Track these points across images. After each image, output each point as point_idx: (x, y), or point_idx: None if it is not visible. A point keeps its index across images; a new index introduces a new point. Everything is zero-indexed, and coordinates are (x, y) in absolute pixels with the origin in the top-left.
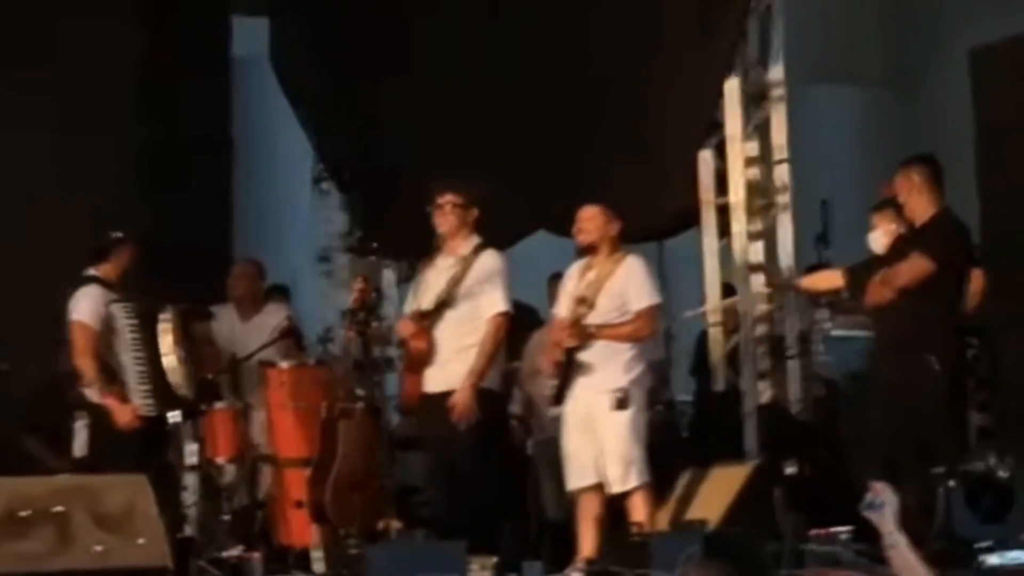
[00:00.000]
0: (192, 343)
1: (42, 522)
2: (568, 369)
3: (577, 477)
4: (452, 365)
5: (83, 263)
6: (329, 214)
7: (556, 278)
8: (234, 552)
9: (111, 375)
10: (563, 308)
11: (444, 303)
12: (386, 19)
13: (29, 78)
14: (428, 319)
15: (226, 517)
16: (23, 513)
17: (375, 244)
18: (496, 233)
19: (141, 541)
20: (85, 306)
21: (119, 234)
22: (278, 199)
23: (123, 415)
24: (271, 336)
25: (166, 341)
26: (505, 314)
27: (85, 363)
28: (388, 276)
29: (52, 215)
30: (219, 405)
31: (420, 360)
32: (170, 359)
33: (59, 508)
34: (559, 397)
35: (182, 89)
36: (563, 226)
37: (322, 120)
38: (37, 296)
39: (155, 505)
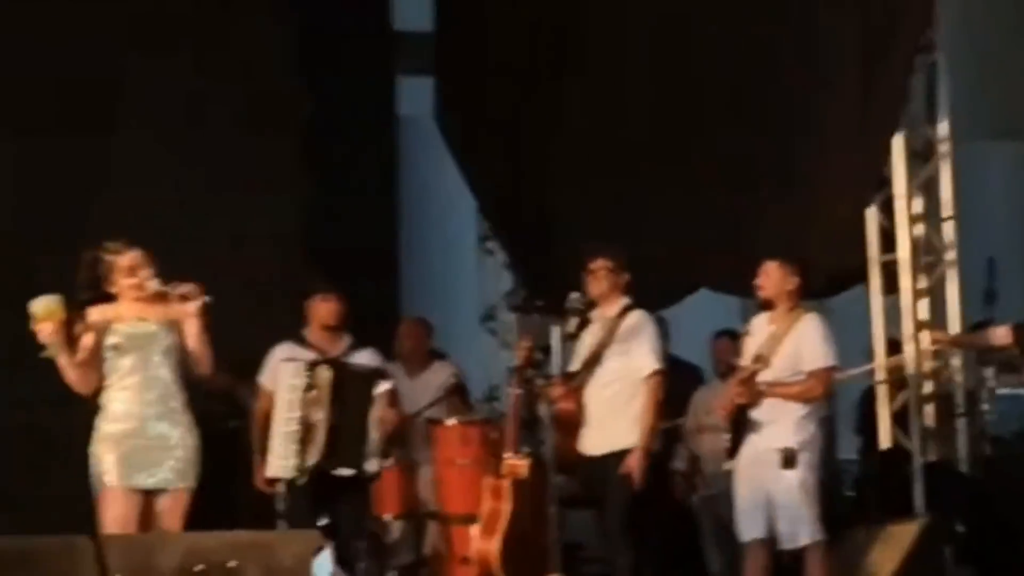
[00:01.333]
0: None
1: None
2: (740, 425)
3: (747, 530)
4: (608, 426)
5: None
6: (494, 272)
7: (718, 336)
8: None
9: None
10: (745, 362)
11: (591, 364)
12: (549, 81)
13: (197, 136)
14: (576, 380)
15: (392, 574)
16: (197, 568)
17: (540, 302)
18: (657, 291)
19: None
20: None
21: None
22: (443, 258)
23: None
24: (438, 393)
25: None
26: (659, 372)
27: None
28: (554, 334)
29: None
30: (387, 463)
31: (569, 421)
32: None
33: (233, 563)
34: (733, 451)
35: (348, 148)
36: (725, 284)
37: (487, 179)
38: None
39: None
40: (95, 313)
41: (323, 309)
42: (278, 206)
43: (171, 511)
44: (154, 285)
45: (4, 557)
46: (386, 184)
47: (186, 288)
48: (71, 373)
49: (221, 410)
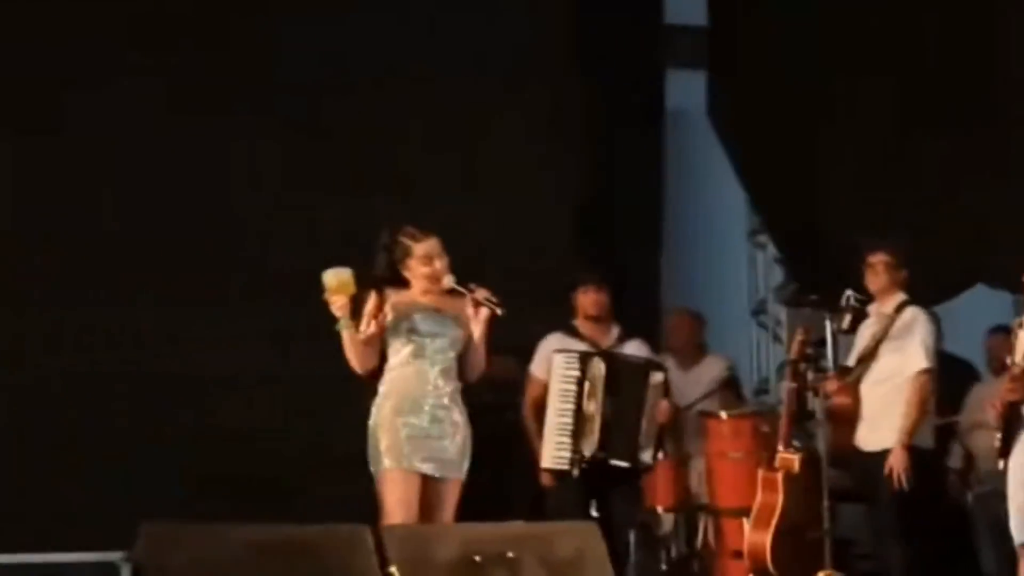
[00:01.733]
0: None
1: (495, 567)
2: (1012, 422)
3: (1019, 531)
4: (881, 423)
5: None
6: (765, 266)
7: (993, 332)
8: None
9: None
10: (1017, 358)
11: (865, 360)
12: (824, 71)
13: (471, 139)
14: (852, 375)
15: (664, 567)
16: (477, 558)
17: (813, 296)
18: (934, 287)
19: None
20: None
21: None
22: (709, 251)
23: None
24: (711, 386)
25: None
26: (927, 371)
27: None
28: (827, 327)
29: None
30: (660, 455)
31: (844, 415)
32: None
33: (511, 554)
34: (1004, 450)
35: (615, 141)
36: (1002, 279)
37: (759, 173)
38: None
39: (605, 553)
40: (392, 294)
41: (589, 300)
42: (547, 198)
43: (445, 501)
44: (449, 281)
45: (285, 546)
46: (653, 177)
47: (483, 293)
48: (353, 350)
49: (498, 401)
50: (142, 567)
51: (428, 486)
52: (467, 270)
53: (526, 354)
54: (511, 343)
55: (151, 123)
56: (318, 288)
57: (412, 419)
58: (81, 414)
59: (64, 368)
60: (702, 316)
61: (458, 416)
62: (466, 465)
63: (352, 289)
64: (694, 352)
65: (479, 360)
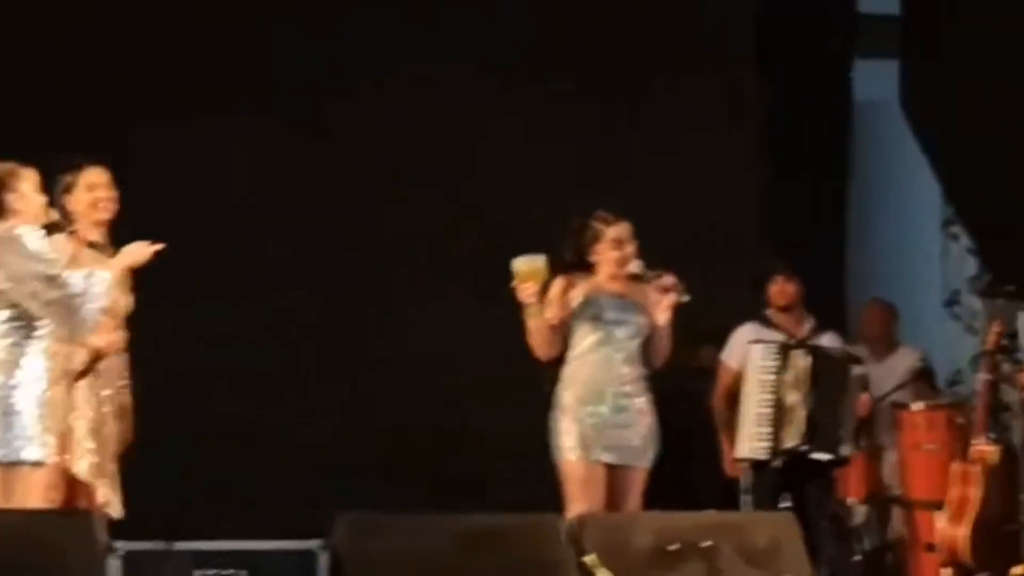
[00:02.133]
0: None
1: (690, 556)
2: None
3: None
4: None
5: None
6: (958, 257)
7: None
8: None
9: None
10: None
11: None
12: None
13: (661, 130)
14: None
15: (857, 558)
16: (672, 547)
17: (1008, 287)
18: None
19: None
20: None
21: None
22: (901, 242)
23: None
24: (904, 378)
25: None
26: None
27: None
28: (1022, 319)
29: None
30: (858, 447)
31: None
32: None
33: (707, 543)
34: None
35: (803, 131)
36: None
37: (953, 162)
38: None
39: (802, 543)
40: (580, 280)
41: (779, 290)
42: (734, 190)
43: (629, 491)
44: (636, 266)
45: (483, 536)
46: (841, 168)
47: (669, 281)
48: (539, 336)
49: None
50: (340, 555)
51: (612, 475)
52: (655, 259)
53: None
54: (702, 332)
55: None
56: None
57: (595, 408)
58: (275, 404)
59: (260, 358)
60: (894, 307)
61: (643, 404)
62: (651, 454)
63: (544, 276)
64: (887, 343)
65: (664, 347)
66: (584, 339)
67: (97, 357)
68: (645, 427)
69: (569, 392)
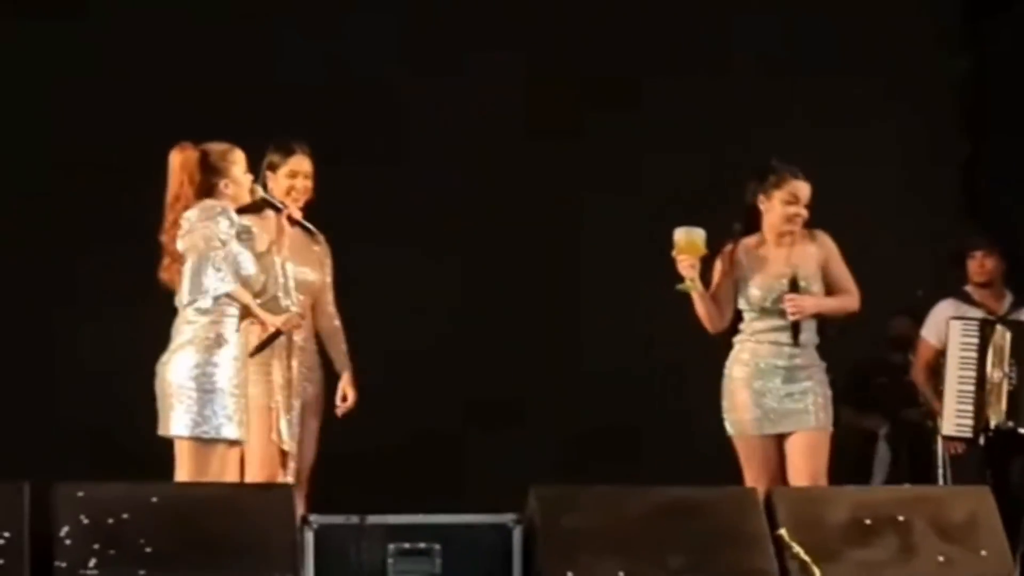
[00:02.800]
0: None
1: (885, 530)
2: None
3: None
4: None
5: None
6: None
7: None
8: None
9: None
10: None
11: None
12: None
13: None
14: None
15: None
16: (867, 521)
17: None
18: None
19: (984, 553)
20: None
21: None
22: None
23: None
24: None
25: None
26: None
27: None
28: None
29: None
30: None
31: None
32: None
33: (902, 517)
34: None
35: (1005, 100)
36: None
37: None
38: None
39: (998, 518)
40: (743, 248)
41: (974, 266)
42: (934, 162)
43: (806, 455)
44: (797, 226)
45: (677, 507)
46: None
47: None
48: (703, 310)
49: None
50: (534, 528)
51: (785, 444)
52: (848, 232)
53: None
54: (904, 305)
55: None
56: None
57: (765, 380)
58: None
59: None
60: None
61: (815, 377)
62: (824, 418)
63: (702, 250)
64: None
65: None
66: (752, 309)
67: (275, 335)
68: (818, 396)
69: (736, 365)
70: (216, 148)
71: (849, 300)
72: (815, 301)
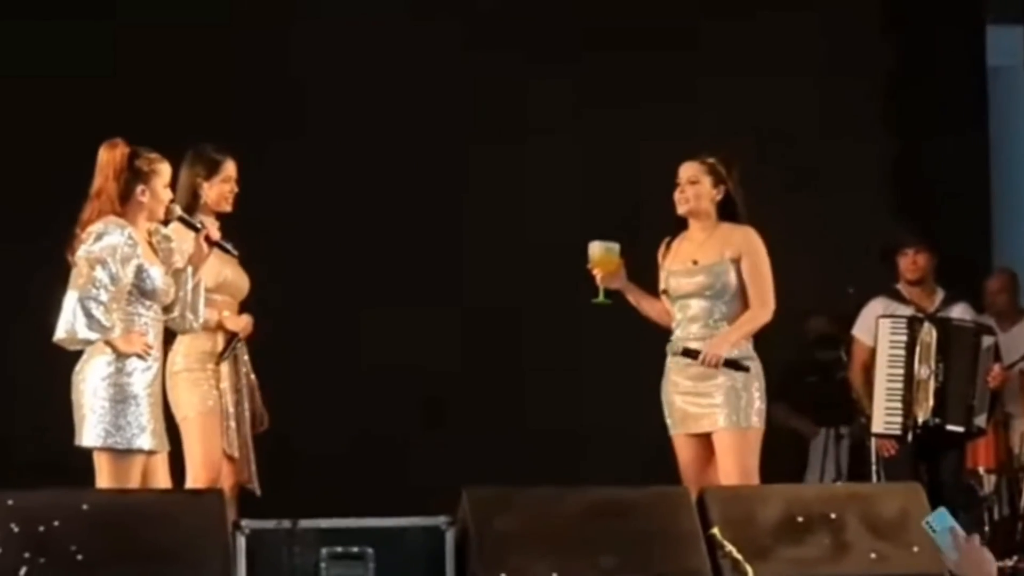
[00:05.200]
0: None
1: (817, 528)
2: None
3: None
4: None
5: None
6: None
7: None
8: (1007, 563)
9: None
10: None
11: None
12: None
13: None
14: None
15: (986, 528)
16: (799, 519)
17: None
18: None
19: (916, 549)
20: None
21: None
22: None
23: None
24: None
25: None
26: None
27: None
28: None
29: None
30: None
31: None
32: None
33: (834, 515)
34: None
35: (935, 99)
36: None
37: None
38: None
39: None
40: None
41: (910, 263)
42: (860, 157)
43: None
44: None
45: (610, 507)
46: (975, 135)
47: None
48: (645, 308)
49: (830, 358)
50: (467, 530)
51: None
52: (781, 229)
53: (847, 318)
54: (829, 306)
55: None
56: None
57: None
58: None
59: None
60: (1017, 276)
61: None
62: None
63: (616, 262)
64: (1013, 312)
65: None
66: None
67: (232, 340)
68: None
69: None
70: (146, 154)
71: (758, 314)
72: (725, 343)
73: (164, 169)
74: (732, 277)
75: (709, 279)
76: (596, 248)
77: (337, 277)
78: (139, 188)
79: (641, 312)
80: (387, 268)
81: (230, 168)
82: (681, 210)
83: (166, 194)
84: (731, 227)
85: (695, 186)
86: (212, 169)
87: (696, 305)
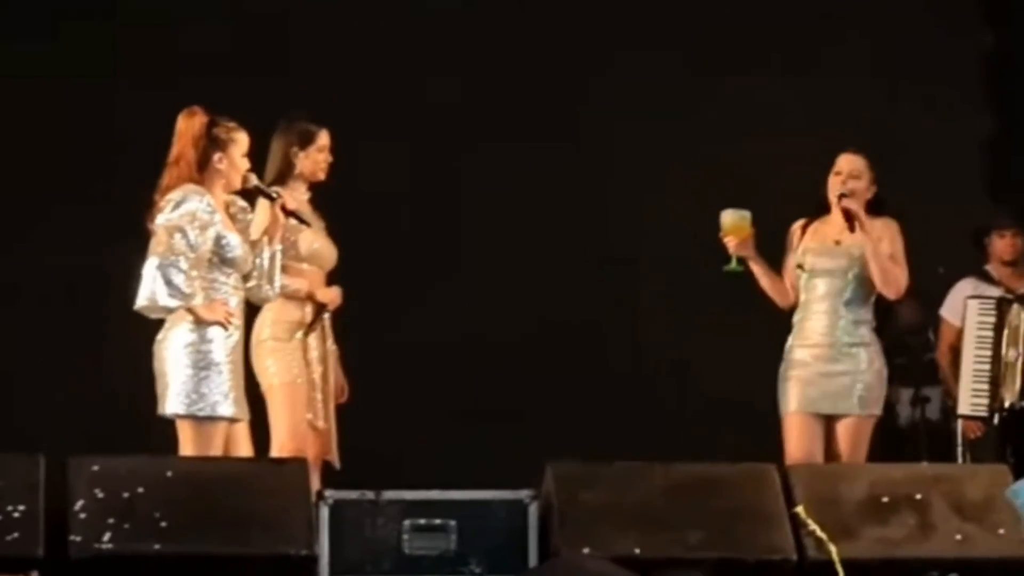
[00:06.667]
0: None
1: (903, 508)
2: None
3: None
4: None
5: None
6: None
7: None
8: None
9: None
10: None
11: None
12: None
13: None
14: None
15: None
16: (884, 499)
17: None
18: None
19: (1001, 532)
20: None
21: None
22: None
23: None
24: None
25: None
26: None
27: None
28: None
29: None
30: None
31: None
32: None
33: (919, 495)
34: None
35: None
36: None
37: None
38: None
39: None
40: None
41: (1002, 244)
42: (958, 140)
43: (848, 440)
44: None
45: (695, 484)
46: None
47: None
48: (767, 287)
49: (918, 341)
50: (550, 504)
51: (829, 426)
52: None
53: (936, 299)
54: (921, 289)
55: None
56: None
57: (817, 357)
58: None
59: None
60: None
61: (871, 352)
62: (879, 401)
63: (747, 231)
64: None
65: (891, 277)
66: (807, 289)
67: (321, 311)
68: (873, 375)
69: (793, 343)
70: (224, 122)
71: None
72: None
73: (241, 138)
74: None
75: (849, 261)
76: (728, 216)
77: (423, 246)
78: (216, 155)
79: (761, 285)
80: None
81: (324, 138)
82: (834, 197)
83: (243, 163)
84: (873, 216)
85: (856, 180)
86: (307, 139)
87: (826, 285)
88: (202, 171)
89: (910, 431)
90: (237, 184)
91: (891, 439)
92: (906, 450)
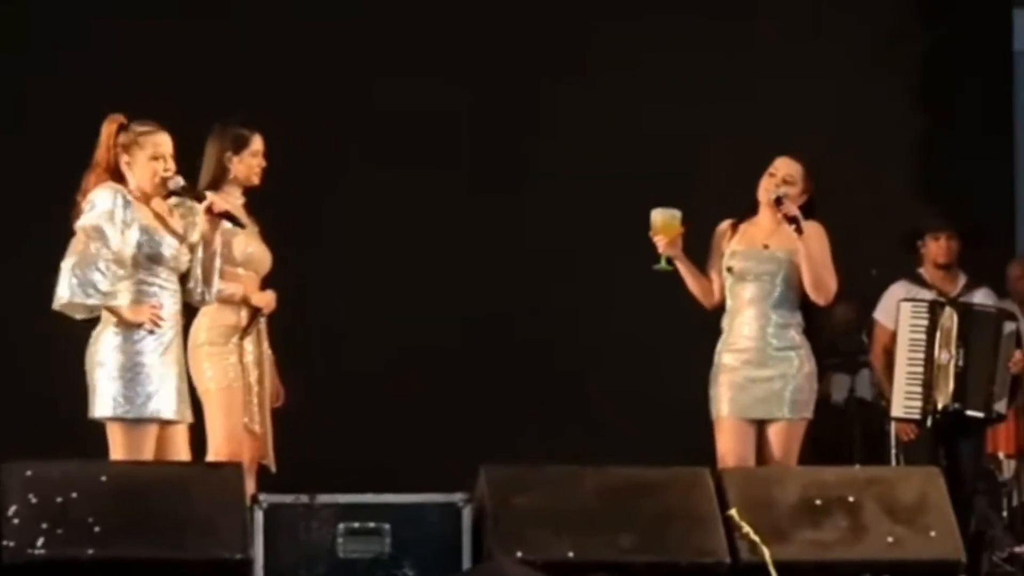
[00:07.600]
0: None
1: (835, 511)
2: None
3: None
4: None
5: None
6: None
7: None
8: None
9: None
10: None
11: None
12: None
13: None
14: None
15: (1005, 514)
16: (817, 502)
17: None
18: None
19: (933, 534)
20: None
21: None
22: None
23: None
24: None
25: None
26: None
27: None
28: None
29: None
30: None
31: None
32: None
33: (852, 498)
34: None
35: (962, 84)
36: None
37: None
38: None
39: (947, 498)
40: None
41: (936, 247)
42: (889, 142)
43: (776, 444)
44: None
45: (628, 488)
46: (1001, 120)
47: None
48: (691, 286)
49: (849, 345)
50: (484, 508)
51: (760, 430)
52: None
53: (870, 301)
54: (854, 290)
55: None
56: None
57: (747, 362)
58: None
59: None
60: None
61: (798, 354)
62: (803, 405)
63: (677, 230)
64: None
65: (820, 281)
66: (735, 295)
67: (256, 315)
68: (803, 379)
69: (725, 347)
70: (134, 126)
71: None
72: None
73: (148, 141)
74: (797, 267)
75: (777, 265)
76: (658, 215)
77: (359, 251)
78: (123, 159)
79: (686, 285)
80: (401, 245)
81: (257, 143)
82: (766, 198)
83: (153, 165)
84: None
85: (790, 186)
86: (240, 144)
87: (755, 289)
88: (119, 174)
89: (843, 433)
90: (148, 186)
91: (823, 441)
92: (839, 452)
